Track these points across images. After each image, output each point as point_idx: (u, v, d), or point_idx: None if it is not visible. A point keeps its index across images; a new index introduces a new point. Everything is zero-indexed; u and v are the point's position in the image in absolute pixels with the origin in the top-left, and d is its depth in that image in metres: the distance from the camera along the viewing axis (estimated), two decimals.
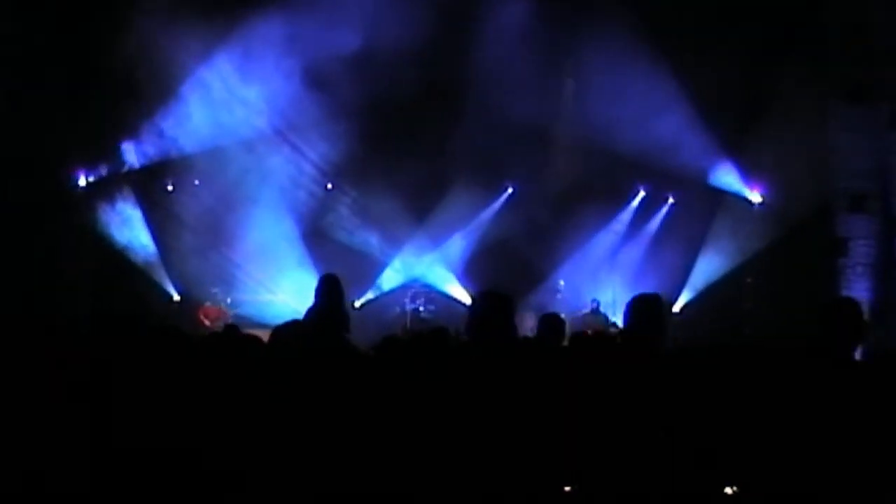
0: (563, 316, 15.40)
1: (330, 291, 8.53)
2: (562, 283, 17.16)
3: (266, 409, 4.22)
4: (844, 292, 13.85)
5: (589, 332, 9.56)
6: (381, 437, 4.16)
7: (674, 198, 17.43)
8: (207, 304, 16.91)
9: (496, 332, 4.54)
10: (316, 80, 15.72)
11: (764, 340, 13.66)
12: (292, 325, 4.77)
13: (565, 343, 7.50)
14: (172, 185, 17.34)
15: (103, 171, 16.76)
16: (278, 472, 4.09)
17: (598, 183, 16.69)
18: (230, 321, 14.77)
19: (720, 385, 4.63)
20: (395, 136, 16.75)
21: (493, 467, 4.15)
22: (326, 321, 8.00)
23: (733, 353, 5.07)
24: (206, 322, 16.29)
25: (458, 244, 17.82)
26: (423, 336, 4.96)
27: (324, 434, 4.13)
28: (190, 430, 4.12)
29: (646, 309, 4.95)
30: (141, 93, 15.54)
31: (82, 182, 16.60)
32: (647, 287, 16.17)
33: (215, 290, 17.04)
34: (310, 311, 8.38)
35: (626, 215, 17.73)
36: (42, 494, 3.89)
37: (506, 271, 16.78)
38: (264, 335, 4.94)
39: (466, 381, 4.36)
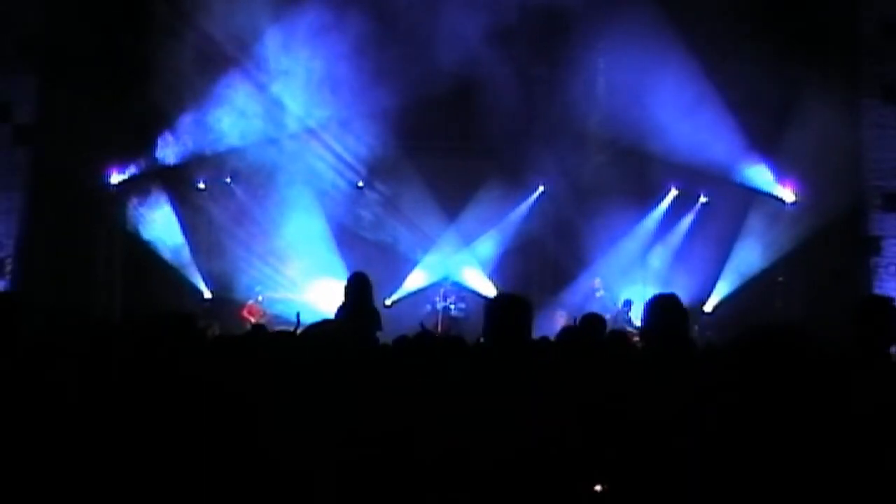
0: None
1: (359, 290, 8.54)
2: (598, 280, 16.99)
3: (297, 408, 4.24)
4: (877, 291, 13.76)
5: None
6: (402, 438, 4.18)
7: (705, 196, 17.32)
8: (251, 301, 17.04)
9: (513, 336, 4.53)
10: (348, 78, 15.78)
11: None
12: (324, 324, 4.80)
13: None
14: (204, 182, 17.45)
15: (135, 168, 16.87)
16: (305, 469, 4.11)
17: (630, 182, 16.62)
18: (269, 320, 14.99)
19: (751, 384, 4.61)
20: (427, 135, 16.78)
21: (513, 468, 4.14)
22: (358, 320, 8.04)
23: (767, 352, 5.04)
24: (252, 319, 16.38)
25: (488, 242, 17.78)
26: (442, 340, 4.98)
27: (345, 435, 4.15)
28: (216, 430, 4.14)
29: (665, 309, 4.87)
30: (173, 91, 15.65)
31: (115, 180, 16.71)
32: (679, 286, 16.15)
33: (259, 287, 17.18)
34: (340, 310, 8.44)
35: (657, 214, 17.63)
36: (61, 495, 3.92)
37: (536, 270, 16.77)
38: None
39: (484, 384, 4.36)
